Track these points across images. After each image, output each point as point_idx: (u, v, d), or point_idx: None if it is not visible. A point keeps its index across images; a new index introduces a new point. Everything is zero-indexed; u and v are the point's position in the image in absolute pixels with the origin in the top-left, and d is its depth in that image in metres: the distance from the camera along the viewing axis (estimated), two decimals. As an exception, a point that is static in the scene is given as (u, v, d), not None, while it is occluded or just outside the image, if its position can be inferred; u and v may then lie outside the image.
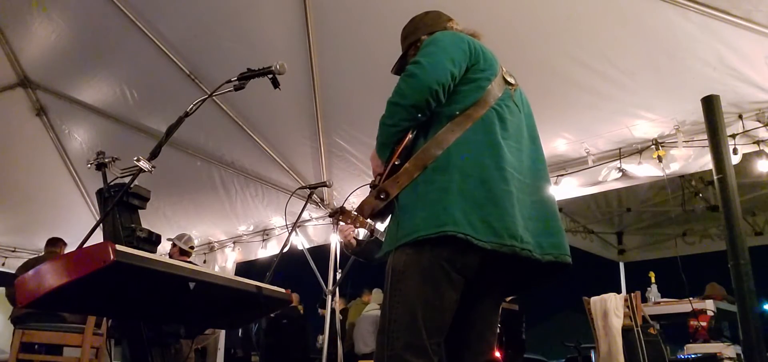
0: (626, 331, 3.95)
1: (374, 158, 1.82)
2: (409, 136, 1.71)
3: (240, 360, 8.99)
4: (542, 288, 1.87)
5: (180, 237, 5.36)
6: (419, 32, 1.97)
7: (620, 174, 4.11)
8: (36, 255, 6.62)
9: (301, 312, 8.30)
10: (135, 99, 4.97)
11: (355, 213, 1.83)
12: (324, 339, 5.01)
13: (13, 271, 6.96)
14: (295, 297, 7.89)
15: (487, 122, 1.69)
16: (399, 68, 2.07)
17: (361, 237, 2.66)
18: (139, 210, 2.48)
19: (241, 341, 9.21)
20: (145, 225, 2.43)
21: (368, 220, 1.84)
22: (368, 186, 1.83)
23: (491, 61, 1.81)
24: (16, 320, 4.21)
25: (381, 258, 1.73)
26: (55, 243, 5.02)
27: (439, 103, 1.67)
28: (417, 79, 1.64)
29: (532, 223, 1.64)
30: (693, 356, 3.94)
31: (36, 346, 4.09)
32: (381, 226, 1.92)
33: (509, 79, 1.85)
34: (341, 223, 2.23)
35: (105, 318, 4.06)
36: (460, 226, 1.52)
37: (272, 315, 7.20)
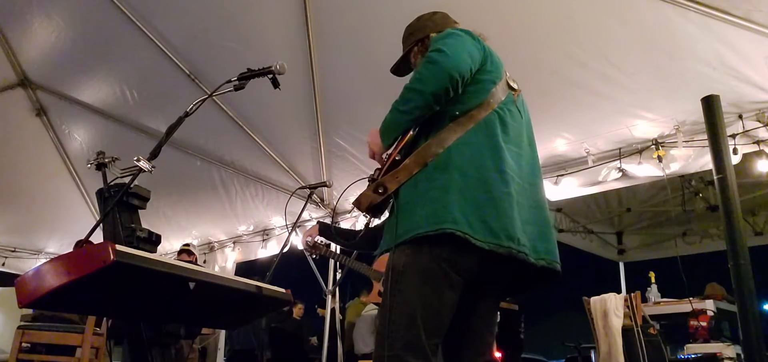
0: (626, 331, 3.94)
1: (374, 137, 1.77)
2: (411, 133, 1.71)
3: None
4: (534, 292, 1.88)
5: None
6: (427, 30, 1.96)
7: (620, 174, 4.11)
8: (40, 258, 6.65)
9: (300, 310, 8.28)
10: (135, 99, 4.97)
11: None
12: (324, 337, 5.01)
13: (13, 271, 6.96)
14: (298, 310, 7.89)
15: (490, 125, 1.69)
16: (398, 68, 2.07)
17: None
18: (139, 210, 2.47)
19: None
20: (145, 225, 2.42)
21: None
22: (367, 180, 1.82)
23: (497, 64, 1.81)
24: (28, 320, 4.19)
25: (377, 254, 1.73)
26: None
27: (456, 94, 1.65)
28: (439, 65, 1.62)
29: (529, 227, 1.65)
30: (693, 356, 3.94)
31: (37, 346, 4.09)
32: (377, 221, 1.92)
33: (513, 84, 1.84)
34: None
35: (105, 318, 4.06)
36: (459, 225, 1.52)
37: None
